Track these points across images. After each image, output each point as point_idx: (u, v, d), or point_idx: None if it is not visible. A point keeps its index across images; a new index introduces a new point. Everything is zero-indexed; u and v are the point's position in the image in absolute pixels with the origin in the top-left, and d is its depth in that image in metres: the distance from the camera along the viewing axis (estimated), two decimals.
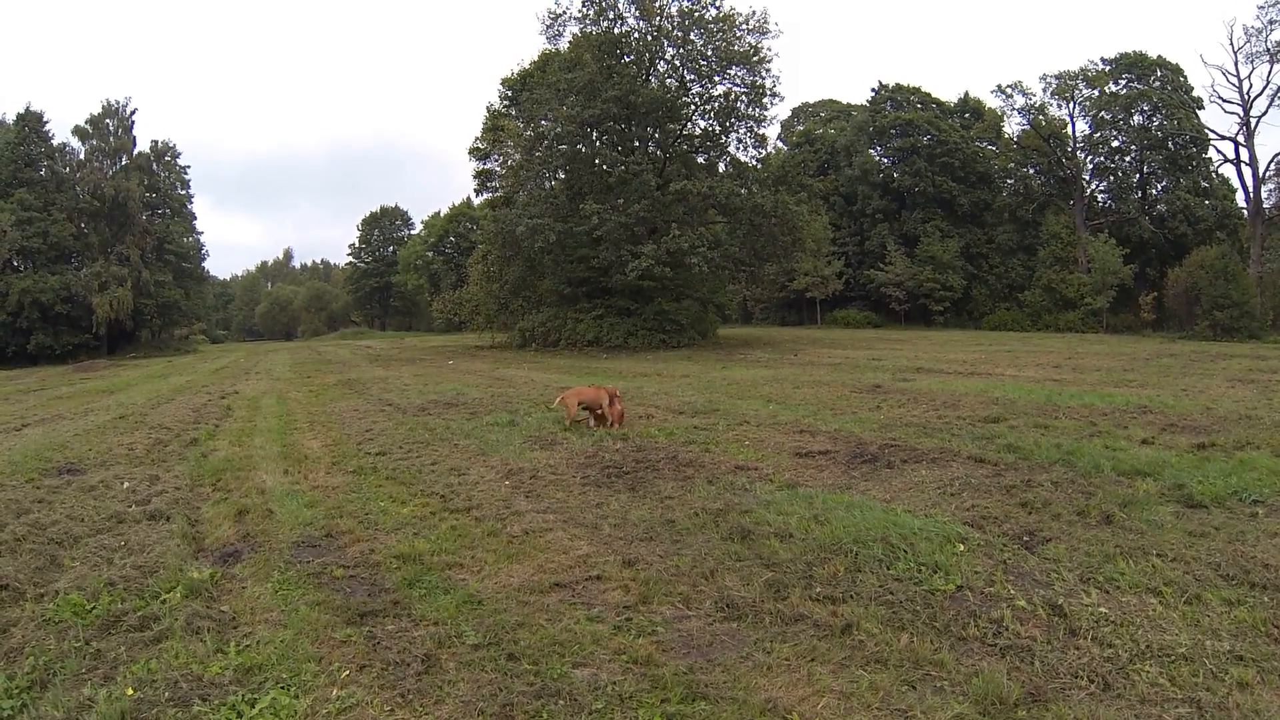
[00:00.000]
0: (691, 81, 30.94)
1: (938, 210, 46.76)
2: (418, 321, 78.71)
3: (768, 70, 30.02)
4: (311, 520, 5.66)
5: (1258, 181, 38.20)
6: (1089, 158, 45.15)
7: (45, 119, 45.29)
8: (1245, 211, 40.49)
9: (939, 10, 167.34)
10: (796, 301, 51.28)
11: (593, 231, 27.31)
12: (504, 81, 41.79)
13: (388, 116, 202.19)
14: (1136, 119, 43.12)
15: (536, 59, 39.17)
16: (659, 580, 4.23)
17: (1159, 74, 42.98)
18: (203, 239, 57.25)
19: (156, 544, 5.10)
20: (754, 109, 30.91)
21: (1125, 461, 6.34)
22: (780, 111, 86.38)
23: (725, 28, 29.76)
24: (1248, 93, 37.34)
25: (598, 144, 31.70)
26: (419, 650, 3.47)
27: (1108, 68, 43.62)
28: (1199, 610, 3.57)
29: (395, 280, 79.16)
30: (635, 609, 3.89)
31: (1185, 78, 42.92)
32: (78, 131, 46.42)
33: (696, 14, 29.87)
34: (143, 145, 49.96)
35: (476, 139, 42.90)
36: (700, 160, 32.90)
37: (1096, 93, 43.54)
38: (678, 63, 30.64)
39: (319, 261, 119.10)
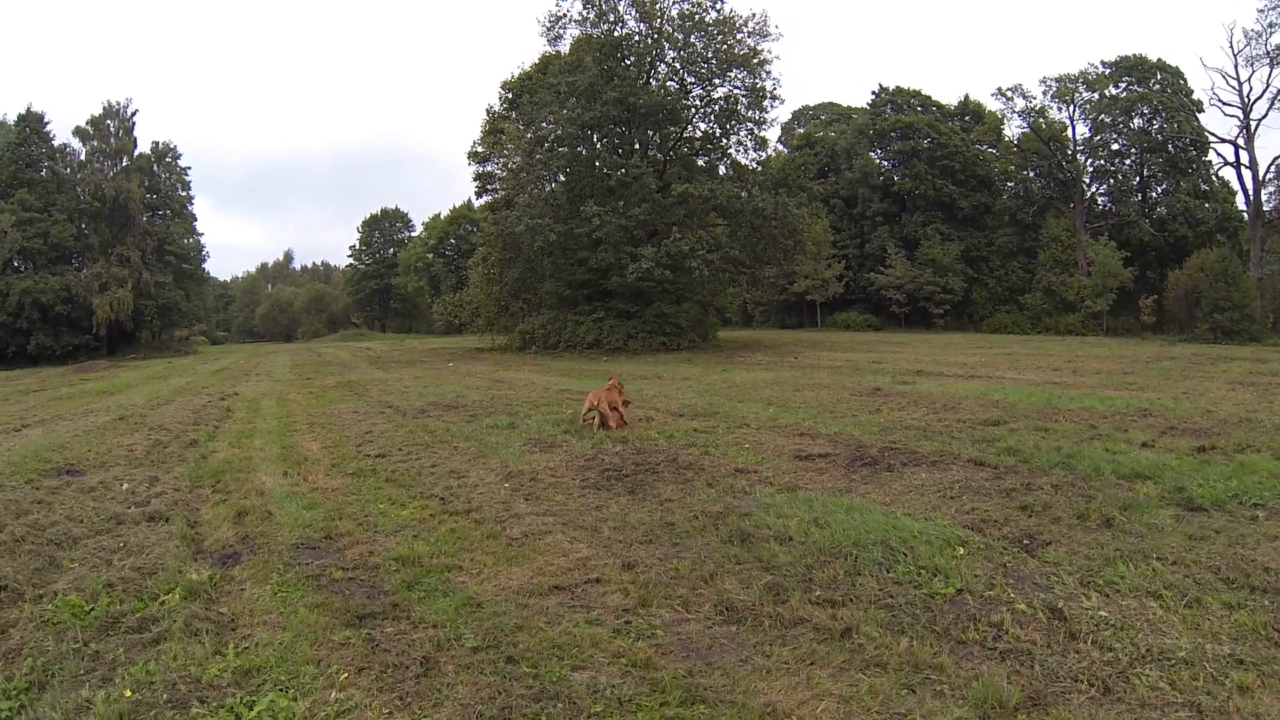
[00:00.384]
0: (692, 84, 30.99)
1: (938, 213, 46.78)
2: (418, 324, 78.57)
3: (768, 73, 30.13)
4: (311, 522, 5.65)
5: (1258, 184, 38.20)
6: (1089, 160, 45.10)
7: (46, 120, 45.37)
8: (1245, 214, 40.47)
9: (939, 13, 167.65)
10: (797, 304, 51.29)
11: (593, 233, 27.33)
12: (504, 84, 41.95)
13: (390, 119, 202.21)
14: (1137, 122, 43.11)
15: (537, 61, 39.34)
16: (658, 583, 4.22)
17: (1159, 77, 42.99)
18: (203, 240, 57.36)
19: (155, 545, 5.10)
20: (754, 112, 31.00)
21: (1125, 464, 6.33)
22: (781, 114, 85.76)
23: (725, 30, 29.83)
24: (1248, 96, 37.42)
25: (598, 147, 31.75)
26: (418, 653, 3.46)
27: (1108, 71, 43.62)
28: (1199, 614, 3.55)
29: (395, 282, 79.10)
30: (634, 612, 3.88)
31: (1185, 81, 42.96)
32: (78, 132, 46.42)
33: (697, 17, 29.92)
34: (144, 146, 49.99)
35: (476, 142, 43.05)
36: (701, 163, 32.92)
37: (1097, 95, 43.52)
38: (678, 65, 30.68)
39: (319, 263, 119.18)
